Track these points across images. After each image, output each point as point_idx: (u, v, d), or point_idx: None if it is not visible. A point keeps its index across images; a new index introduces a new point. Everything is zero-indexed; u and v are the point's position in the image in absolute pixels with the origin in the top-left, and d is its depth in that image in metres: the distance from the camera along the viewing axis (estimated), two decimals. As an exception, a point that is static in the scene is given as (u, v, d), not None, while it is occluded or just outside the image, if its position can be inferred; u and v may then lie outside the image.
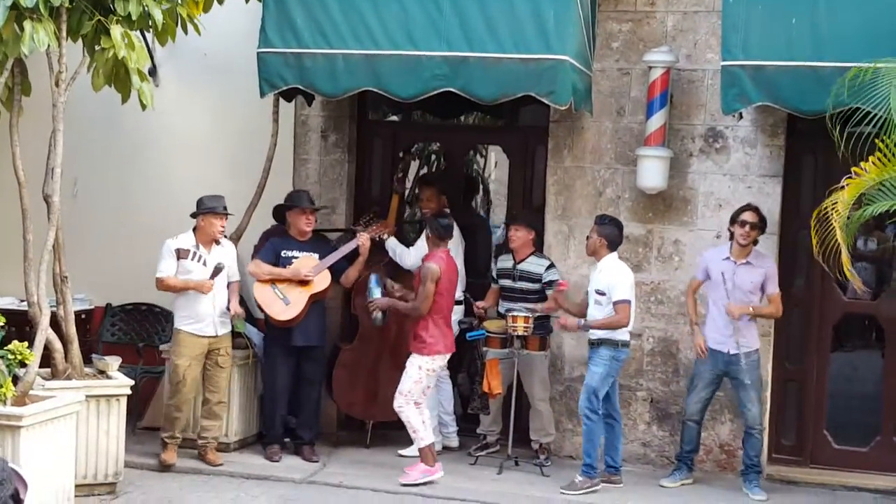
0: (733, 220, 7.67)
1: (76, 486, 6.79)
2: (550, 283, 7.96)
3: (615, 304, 7.50)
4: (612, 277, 7.54)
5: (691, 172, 8.21)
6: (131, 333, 9.23)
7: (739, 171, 8.12)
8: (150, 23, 7.04)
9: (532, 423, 8.23)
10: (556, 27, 7.26)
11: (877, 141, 6.29)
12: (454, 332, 7.95)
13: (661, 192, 8.12)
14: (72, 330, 7.25)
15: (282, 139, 8.38)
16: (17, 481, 5.05)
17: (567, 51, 7.28)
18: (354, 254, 8.17)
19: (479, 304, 8.18)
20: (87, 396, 6.89)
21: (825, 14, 7.03)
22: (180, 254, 7.79)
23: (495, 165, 11.33)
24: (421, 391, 7.70)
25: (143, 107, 7.04)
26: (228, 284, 7.98)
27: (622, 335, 7.58)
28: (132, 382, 7.39)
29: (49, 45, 6.59)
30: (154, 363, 8.66)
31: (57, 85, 6.86)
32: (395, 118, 9.62)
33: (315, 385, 8.28)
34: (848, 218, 6.37)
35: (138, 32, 7.08)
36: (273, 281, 8.02)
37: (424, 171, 10.14)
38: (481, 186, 10.82)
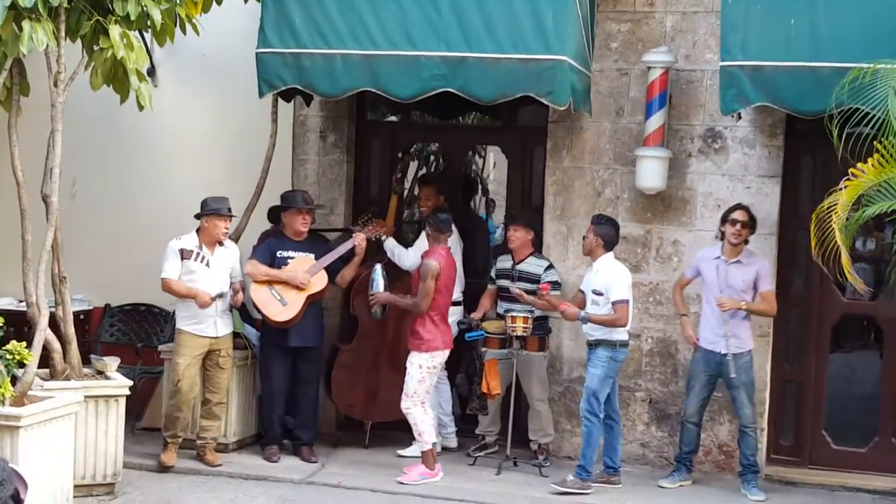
0: (724, 219, 7.68)
1: (75, 486, 6.79)
2: (550, 284, 7.96)
3: (614, 304, 7.49)
4: (610, 277, 7.54)
5: (690, 173, 8.21)
6: (130, 334, 9.23)
7: (738, 172, 8.12)
8: (148, 23, 7.04)
9: (531, 424, 8.22)
10: (554, 27, 7.26)
11: (876, 144, 6.29)
12: (453, 333, 7.95)
13: (660, 192, 8.12)
14: (70, 330, 7.24)
15: (280, 139, 8.37)
16: (18, 481, 5.06)
17: (566, 51, 7.28)
18: (350, 254, 8.16)
19: (473, 315, 8.16)
20: (85, 397, 6.89)
21: (824, 14, 7.03)
22: (184, 254, 7.78)
23: (494, 166, 11.32)
24: (425, 390, 7.70)
25: (141, 107, 7.04)
26: (231, 284, 7.98)
27: (620, 335, 7.58)
28: (131, 383, 7.38)
29: (48, 45, 6.59)
30: (153, 364, 8.64)
31: (55, 85, 6.86)
32: (393, 118, 9.62)
33: (312, 385, 8.27)
34: (847, 219, 6.37)
35: (137, 33, 7.08)
36: (270, 282, 8.02)
37: (423, 171, 10.12)
38: (480, 187, 10.81)
